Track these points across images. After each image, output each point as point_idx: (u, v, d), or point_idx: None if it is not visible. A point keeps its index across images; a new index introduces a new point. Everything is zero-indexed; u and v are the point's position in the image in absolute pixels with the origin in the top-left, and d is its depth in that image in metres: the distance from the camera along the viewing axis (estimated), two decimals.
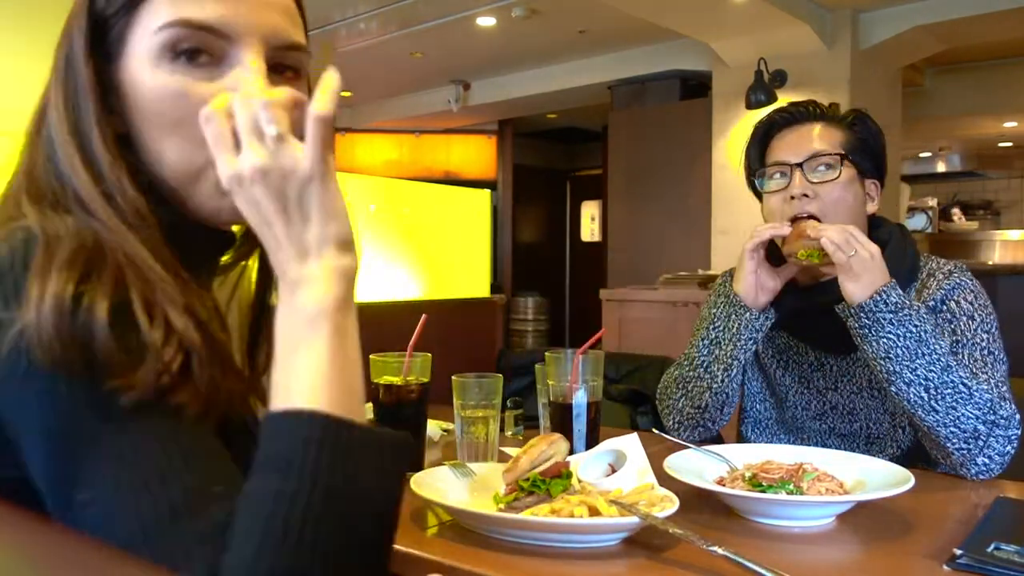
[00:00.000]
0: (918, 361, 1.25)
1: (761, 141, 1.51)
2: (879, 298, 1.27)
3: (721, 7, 4.41)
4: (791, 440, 1.55)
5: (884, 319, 1.26)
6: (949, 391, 1.24)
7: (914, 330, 1.26)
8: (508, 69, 6.45)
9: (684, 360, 1.54)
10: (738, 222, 4.94)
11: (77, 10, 0.73)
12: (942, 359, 1.25)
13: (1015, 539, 0.92)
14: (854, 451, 1.44)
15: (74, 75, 0.71)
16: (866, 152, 1.44)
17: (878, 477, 1.14)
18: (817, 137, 1.44)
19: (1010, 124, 7.16)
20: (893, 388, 1.28)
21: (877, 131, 1.47)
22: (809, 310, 1.44)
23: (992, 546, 0.91)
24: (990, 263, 4.90)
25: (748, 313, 1.44)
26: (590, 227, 9.06)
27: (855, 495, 1.10)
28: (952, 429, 1.25)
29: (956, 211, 7.12)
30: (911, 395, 1.26)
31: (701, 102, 5.52)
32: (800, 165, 1.41)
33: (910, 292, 1.42)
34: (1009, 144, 7.92)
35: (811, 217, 1.39)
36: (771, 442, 1.57)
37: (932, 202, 6.84)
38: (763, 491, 1.09)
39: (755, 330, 1.44)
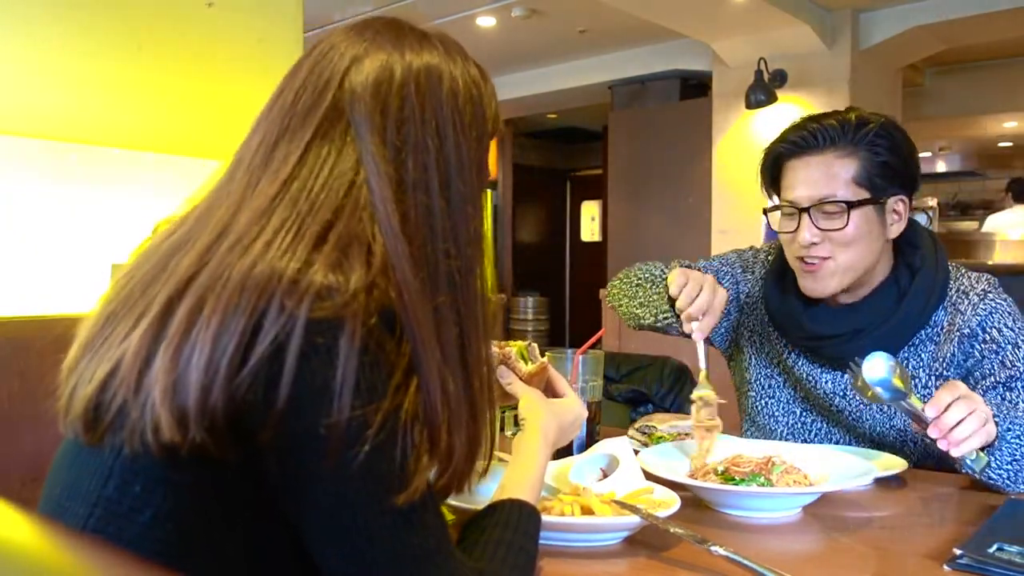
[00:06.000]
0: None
1: (771, 170, 1.43)
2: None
3: (721, 7, 4.41)
4: (795, 418, 1.52)
5: (1002, 430, 1.17)
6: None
7: (1019, 420, 1.19)
8: (508, 69, 6.44)
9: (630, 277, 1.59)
10: (738, 222, 4.93)
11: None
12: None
13: (1020, 540, 0.92)
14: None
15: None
16: (887, 172, 1.34)
17: (842, 469, 1.16)
18: (825, 176, 1.33)
19: (1010, 124, 7.16)
20: (1018, 485, 1.18)
21: (901, 142, 1.35)
22: (829, 336, 1.40)
23: (995, 547, 0.90)
24: (990, 263, 4.90)
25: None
26: (590, 227, 9.05)
27: (824, 486, 1.12)
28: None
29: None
30: (1002, 473, 1.18)
31: (701, 102, 5.51)
32: (807, 210, 1.33)
33: (939, 313, 1.37)
34: (1009, 144, 7.91)
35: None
36: (772, 435, 1.54)
37: (932, 202, 6.82)
38: (736, 484, 1.10)
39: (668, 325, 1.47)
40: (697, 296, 1.32)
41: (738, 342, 1.61)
